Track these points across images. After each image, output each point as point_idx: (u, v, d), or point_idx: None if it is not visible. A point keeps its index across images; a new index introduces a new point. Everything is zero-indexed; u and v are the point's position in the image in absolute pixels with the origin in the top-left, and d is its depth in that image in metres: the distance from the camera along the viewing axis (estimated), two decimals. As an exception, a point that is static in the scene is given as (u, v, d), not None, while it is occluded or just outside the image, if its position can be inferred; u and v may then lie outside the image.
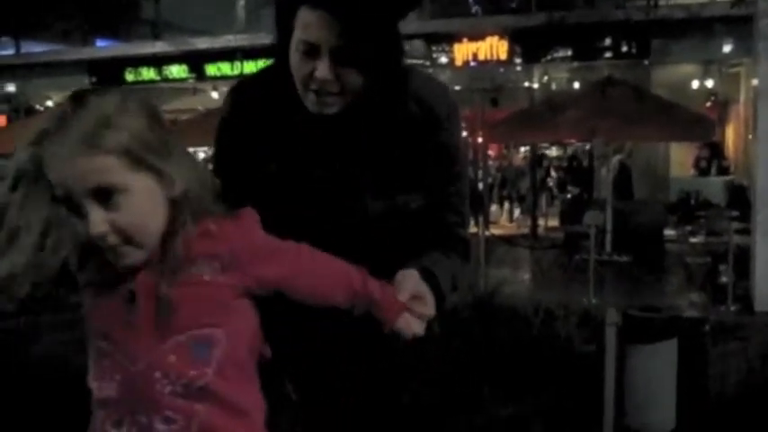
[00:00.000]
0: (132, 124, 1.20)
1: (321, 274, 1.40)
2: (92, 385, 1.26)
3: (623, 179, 13.11)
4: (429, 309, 1.54)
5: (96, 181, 1.16)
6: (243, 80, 1.85)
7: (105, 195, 1.17)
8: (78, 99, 1.21)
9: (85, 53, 18.71)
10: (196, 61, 17.23)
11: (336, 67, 1.54)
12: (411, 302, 1.50)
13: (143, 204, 1.20)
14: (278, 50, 1.66)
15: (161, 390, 1.19)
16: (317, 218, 1.65)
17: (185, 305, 1.22)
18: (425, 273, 1.61)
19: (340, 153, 1.67)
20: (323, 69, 1.54)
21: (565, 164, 19.31)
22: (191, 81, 17.69)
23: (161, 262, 1.22)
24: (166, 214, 1.24)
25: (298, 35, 1.55)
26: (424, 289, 1.56)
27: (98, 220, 1.17)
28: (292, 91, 1.62)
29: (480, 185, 14.98)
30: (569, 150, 19.39)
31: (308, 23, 1.53)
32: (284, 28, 1.60)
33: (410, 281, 1.55)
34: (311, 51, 1.54)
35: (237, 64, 16.63)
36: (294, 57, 1.58)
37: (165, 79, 17.85)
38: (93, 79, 18.40)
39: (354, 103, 1.60)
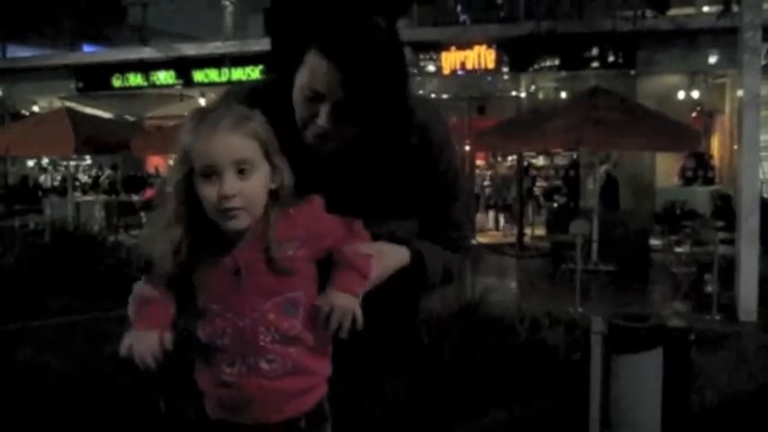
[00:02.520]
0: (262, 123, 1.58)
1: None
2: (204, 338, 1.58)
3: (610, 189, 13.17)
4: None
5: (239, 155, 1.53)
6: (253, 87, 1.84)
7: (241, 168, 1.52)
8: (206, 112, 1.59)
9: (72, 58, 18.64)
10: (183, 67, 17.20)
11: (337, 118, 1.55)
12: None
13: (261, 182, 1.56)
14: (280, 78, 1.67)
15: (264, 339, 1.56)
16: None
17: (277, 275, 1.57)
18: (414, 253, 1.69)
19: (337, 181, 1.67)
20: (323, 119, 1.56)
21: (552, 173, 19.35)
22: (178, 87, 17.65)
23: (258, 241, 1.56)
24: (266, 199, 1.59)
25: (304, 78, 1.57)
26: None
27: (233, 184, 1.52)
28: (291, 120, 1.64)
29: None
30: (558, 160, 19.42)
31: (315, 70, 1.54)
32: (291, 60, 1.61)
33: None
34: (315, 98, 1.55)
35: (225, 70, 16.63)
36: (297, 95, 1.60)
37: (153, 85, 17.81)
38: (80, 84, 18.35)
39: (349, 145, 1.62)
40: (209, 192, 1.52)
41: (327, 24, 1.55)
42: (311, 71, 1.54)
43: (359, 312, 1.56)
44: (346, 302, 1.56)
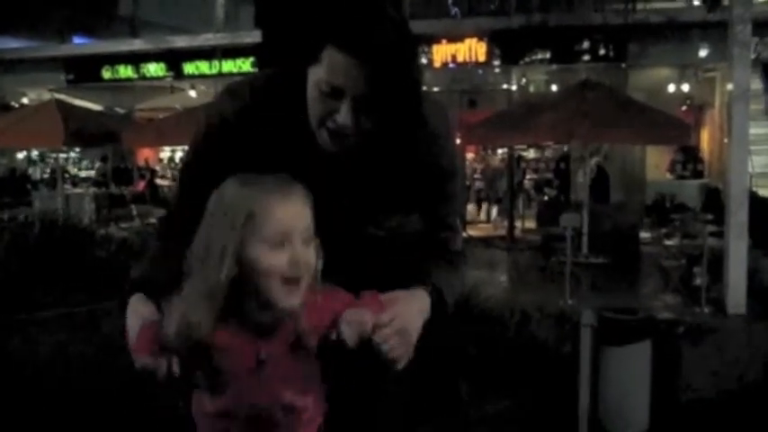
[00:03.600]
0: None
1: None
2: (212, 409, 1.54)
3: (600, 182, 13.19)
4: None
5: (307, 222, 1.50)
6: (253, 81, 1.77)
7: (304, 237, 1.48)
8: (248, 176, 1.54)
9: (62, 50, 18.54)
10: (174, 59, 17.14)
11: (357, 113, 1.53)
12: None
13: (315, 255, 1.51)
14: (290, 73, 1.64)
15: (276, 417, 1.53)
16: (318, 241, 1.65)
17: (301, 362, 1.53)
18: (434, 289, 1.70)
19: (341, 182, 1.67)
20: (344, 115, 1.53)
21: (542, 165, 19.38)
22: (168, 79, 17.59)
23: (286, 330, 1.50)
24: None
25: (321, 74, 1.53)
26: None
27: (303, 251, 1.46)
28: (301, 117, 1.61)
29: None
30: (548, 153, 19.45)
31: (335, 66, 1.51)
32: (304, 56, 1.58)
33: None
34: (334, 94, 1.53)
35: (216, 63, 16.57)
36: (313, 92, 1.57)
37: (143, 77, 17.74)
38: (70, 76, 18.25)
39: (363, 142, 1.60)
40: (277, 260, 1.44)
41: (345, 19, 1.52)
42: (330, 67, 1.51)
43: (370, 320, 1.53)
44: (356, 315, 1.52)
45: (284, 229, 1.45)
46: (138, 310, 1.58)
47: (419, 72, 1.63)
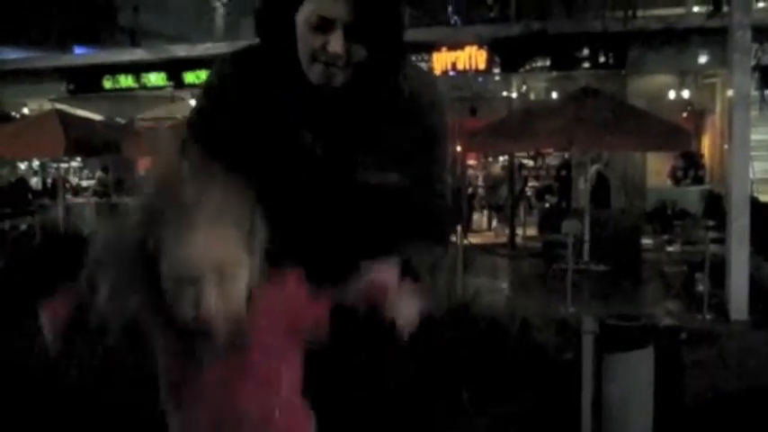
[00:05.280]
0: None
1: None
2: (176, 421, 1.48)
3: (601, 189, 13.18)
4: None
5: None
6: (234, 52, 1.85)
7: None
8: None
9: (63, 60, 18.54)
10: (175, 69, 17.14)
11: (347, 42, 1.57)
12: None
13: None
14: (277, 21, 1.66)
15: (243, 422, 1.43)
16: (305, 185, 1.66)
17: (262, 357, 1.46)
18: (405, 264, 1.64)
19: (333, 124, 1.69)
20: (336, 44, 1.56)
21: (543, 173, 19.38)
22: (169, 89, 17.59)
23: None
24: None
25: (310, 8, 1.57)
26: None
27: None
28: (291, 62, 1.64)
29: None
30: (549, 160, 19.45)
31: None
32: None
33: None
34: (324, 25, 1.56)
35: (216, 72, 16.55)
36: (303, 29, 1.60)
37: (144, 87, 17.75)
38: (71, 86, 18.25)
39: (355, 76, 1.63)
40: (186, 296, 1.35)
41: None
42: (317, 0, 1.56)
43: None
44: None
45: (190, 270, 1.31)
46: None
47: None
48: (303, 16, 1.59)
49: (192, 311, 1.32)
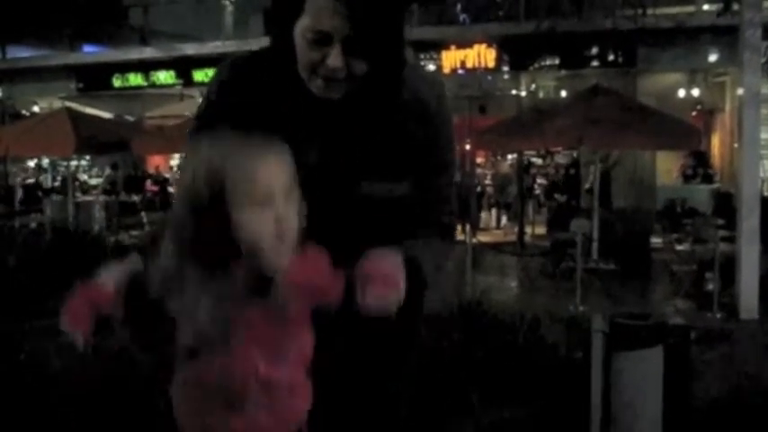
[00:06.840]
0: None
1: None
2: (183, 382, 1.52)
3: (602, 187, 13.13)
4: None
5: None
6: (235, 58, 1.85)
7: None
8: None
9: (72, 58, 18.62)
10: (184, 67, 17.19)
11: (346, 56, 1.55)
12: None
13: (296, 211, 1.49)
14: (278, 32, 1.66)
15: (252, 387, 1.47)
16: (307, 197, 1.66)
17: (273, 326, 1.49)
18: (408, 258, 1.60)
19: (335, 136, 1.68)
20: (335, 59, 1.55)
21: (552, 171, 19.33)
22: (178, 87, 17.63)
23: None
24: None
25: (307, 22, 1.56)
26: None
27: None
28: (292, 72, 1.63)
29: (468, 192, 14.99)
30: (558, 158, 19.40)
31: (319, 11, 1.53)
32: (289, 11, 1.60)
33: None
34: (322, 39, 1.55)
35: (225, 70, 16.58)
36: (301, 42, 1.59)
37: (153, 85, 17.82)
38: (81, 85, 18.34)
39: (356, 88, 1.62)
40: (264, 220, 1.42)
41: None
42: (315, 13, 1.54)
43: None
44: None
45: (266, 188, 1.41)
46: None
47: (403, 10, 1.65)
48: (301, 30, 1.58)
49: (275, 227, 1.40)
